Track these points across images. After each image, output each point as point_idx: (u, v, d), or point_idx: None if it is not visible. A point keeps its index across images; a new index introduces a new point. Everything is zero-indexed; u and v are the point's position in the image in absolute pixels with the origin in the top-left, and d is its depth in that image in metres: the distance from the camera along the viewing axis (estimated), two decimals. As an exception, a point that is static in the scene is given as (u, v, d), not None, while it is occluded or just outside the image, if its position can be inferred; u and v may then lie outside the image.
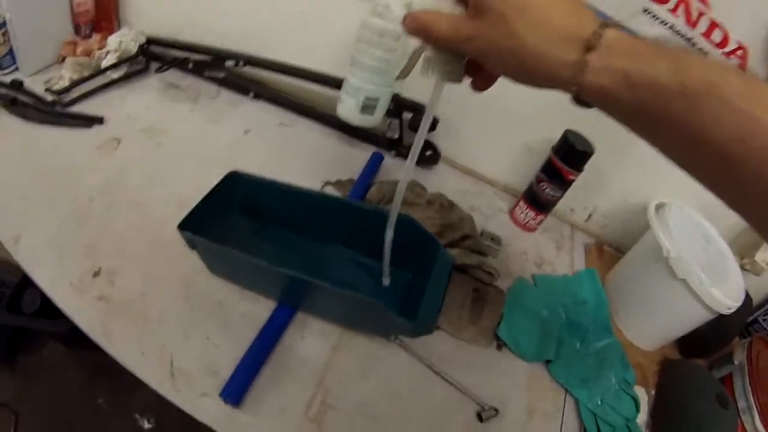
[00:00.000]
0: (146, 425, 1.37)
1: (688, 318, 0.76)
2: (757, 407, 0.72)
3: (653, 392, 0.75)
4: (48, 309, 1.24)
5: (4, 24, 0.90)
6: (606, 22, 0.35)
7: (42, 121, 0.88)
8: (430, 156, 1.04)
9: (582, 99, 0.37)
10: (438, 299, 0.72)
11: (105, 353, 0.60)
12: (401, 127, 1.00)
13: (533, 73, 0.38)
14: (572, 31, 0.35)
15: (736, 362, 0.79)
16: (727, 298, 0.70)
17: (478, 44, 0.39)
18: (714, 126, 0.30)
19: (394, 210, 0.58)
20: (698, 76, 0.30)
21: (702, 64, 0.31)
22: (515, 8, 0.36)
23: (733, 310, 0.71)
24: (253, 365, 0.61)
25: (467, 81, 0.48)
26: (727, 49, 0.75)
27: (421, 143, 0.51)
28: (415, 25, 0.42)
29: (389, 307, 0.59)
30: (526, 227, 0.98)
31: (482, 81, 0.47)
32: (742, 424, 0.72)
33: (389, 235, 0.61)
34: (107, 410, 1.39)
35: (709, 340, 0.81)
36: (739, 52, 0.74)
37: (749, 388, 0.73)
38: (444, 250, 0.71)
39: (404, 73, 0.50)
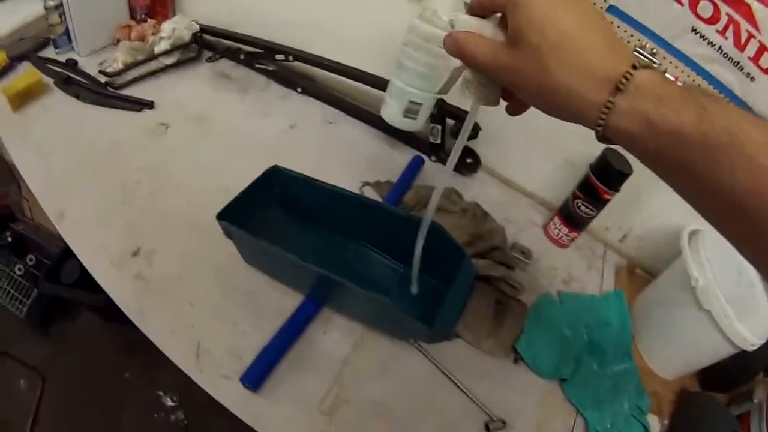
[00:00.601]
0: (169, 402, 1.42)
1: (711, 350, 0.75)
2: (771, 450, 0.70)
3: (666, 422, 0.74)
4: (86, 280, 1.29)
5: (61, 5, 0.94)
6: (640, 61, 0.35)
7: (93, 102, 0.92)
8: (470, 164, 1.04)
9: (607, 137, 0.37)
10: (458, 308, 0.73)
11: (137, 329, 0.63)
12: (443, 133, 1.00)
13: (561, 110, 0.38)
14: (604, 72, 0.35)
15: (755, 401, 0.77)
16: (751, 333, 0.68)
17: (512, 74, 0.39)
18: (730, 178, 0.30)
19: (425, 222, 0.59)
20: (721, 127, 0.30)
21: (727, 115, 0.31)
22: (551, 43, 0.36)
23: (756, 347, 0.69)
24: (275, 354, 0.63)
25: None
26: (775, 76, 0.72)
27: (456, 158, 0.51)
28: (455, 47, 0.42)
29: (412, 311, 0.61)
30: (559, 243, 0.97)
31: (516, 106, 0.47)
32: (754, 466, 0.70)
33: (419, 246, 0.61)
34: (133, 384, 1.44)
35: (730, 374, 0.79)
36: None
37: (766, 428, 0.71)
38: (468, 261, 0.71)
39: (445, 89, 0.50)
